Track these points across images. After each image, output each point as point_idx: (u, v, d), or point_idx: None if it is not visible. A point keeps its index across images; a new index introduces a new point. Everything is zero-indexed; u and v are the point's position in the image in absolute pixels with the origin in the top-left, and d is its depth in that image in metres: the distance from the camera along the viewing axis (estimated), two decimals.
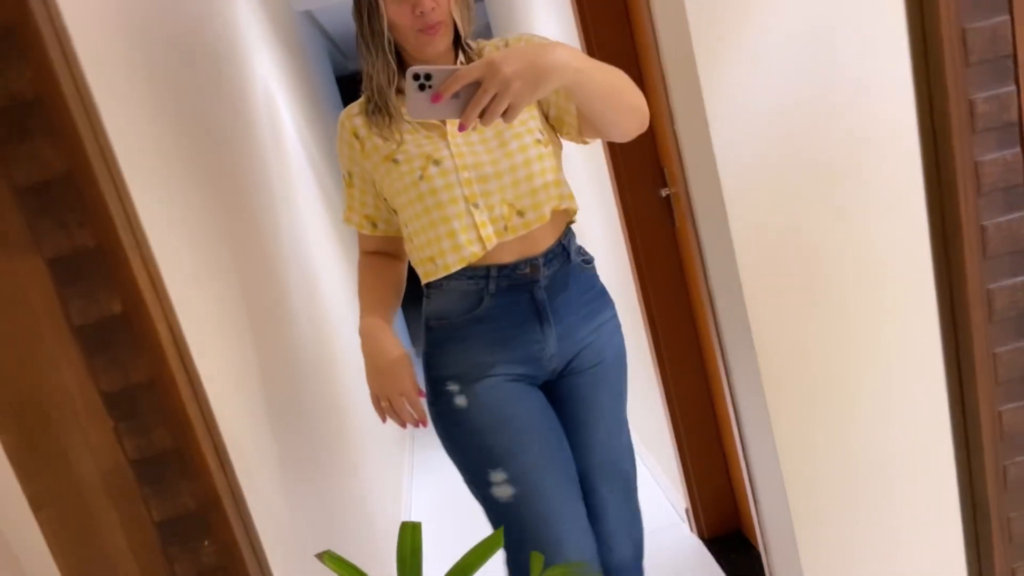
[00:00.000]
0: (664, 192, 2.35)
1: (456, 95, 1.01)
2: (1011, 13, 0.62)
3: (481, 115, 1.02)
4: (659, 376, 2.52)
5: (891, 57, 1.43)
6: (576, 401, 1.43)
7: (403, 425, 1.38)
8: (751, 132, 1.53)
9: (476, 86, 1.01)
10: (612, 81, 1.19)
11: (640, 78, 2.24)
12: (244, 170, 1.69)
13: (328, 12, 4.16)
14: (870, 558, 1.47)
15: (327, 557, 1.12)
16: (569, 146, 1.50)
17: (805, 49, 1.47)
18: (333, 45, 5.02)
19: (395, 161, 1.32)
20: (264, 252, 1.67)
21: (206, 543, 0.67)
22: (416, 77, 1.00)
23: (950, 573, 1.36)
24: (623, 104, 1.22)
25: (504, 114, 1.02)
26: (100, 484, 0.66)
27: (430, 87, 1.01)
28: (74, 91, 0.59)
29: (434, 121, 1.31)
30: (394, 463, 3.18)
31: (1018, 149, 0.65)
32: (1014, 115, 0.64)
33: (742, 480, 1.95)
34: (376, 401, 1.39)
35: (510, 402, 1.34)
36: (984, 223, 0.67)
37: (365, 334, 1.38)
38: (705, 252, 1.79)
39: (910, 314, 1.49)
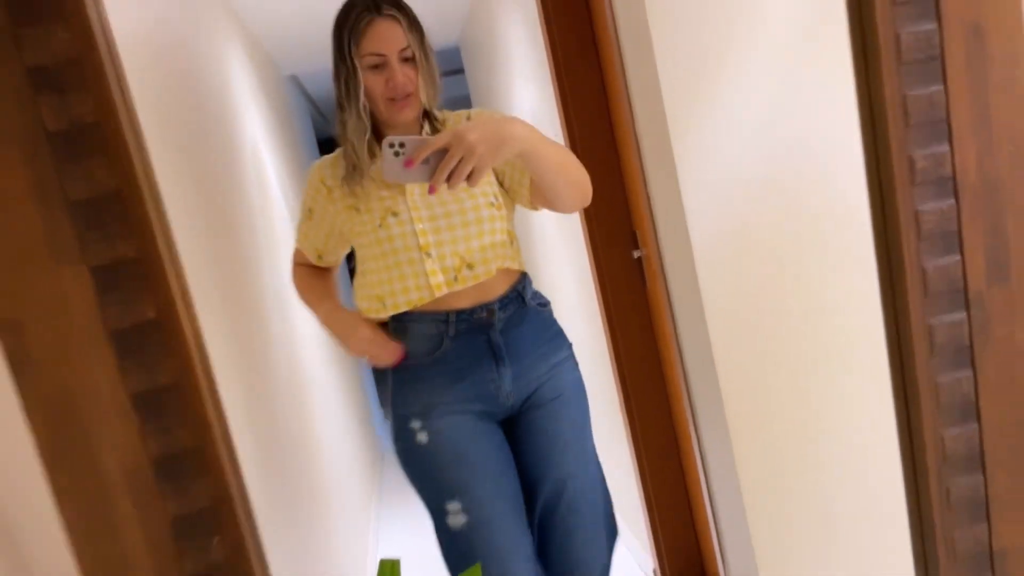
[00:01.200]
0: (636, 254, 2.45)
1: (426, 161, 1.16)
2: (945, 83, 0.72)
3: (448, 178, 1.16)
4: (629, 433, 2.57)
5: (845, 126, 1.58)
6: (536, 433, 1.53)
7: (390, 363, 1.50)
8: (720, 197, 1.64)
9: (444, 153, 1.15)
10: (560, 157, 1.36)
11: (615, 145, 2.36)
12: (234, 218, 1.78)
13: (312, 77, 4.34)
14: None
15: None
16: (544, 213, 1.62)
17: (770, 119, 1.60)
18: (315, 109, 5.18)
19: (357, 210, 1.46)
20: (247, 287, 1.74)
21: (216, 539, 0.72)
22: (391, 145, 1.15)
23: None
24: (568, 178, 1.38)
25: (468, 177, 1.16)
26: (122, 479, 0.70)
27: (403, 153, 1.15)
28: (127, 117, 0.67)
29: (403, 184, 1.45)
30: (363, 504, 3.18)
31: (952, 200, 0.75)
32: (948, 170, 0.74)
33: (710, 539, 1.99)
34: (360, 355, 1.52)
35: (466, 439, 1.46)
36: (925, 266, 0.76)
37: (328, 320, 1.54)
38: (675, 311, 1.87)
39: (864, 367, 1.58)
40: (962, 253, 0.76)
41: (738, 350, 1.66)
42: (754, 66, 1.57)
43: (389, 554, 1.05)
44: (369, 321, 1.49)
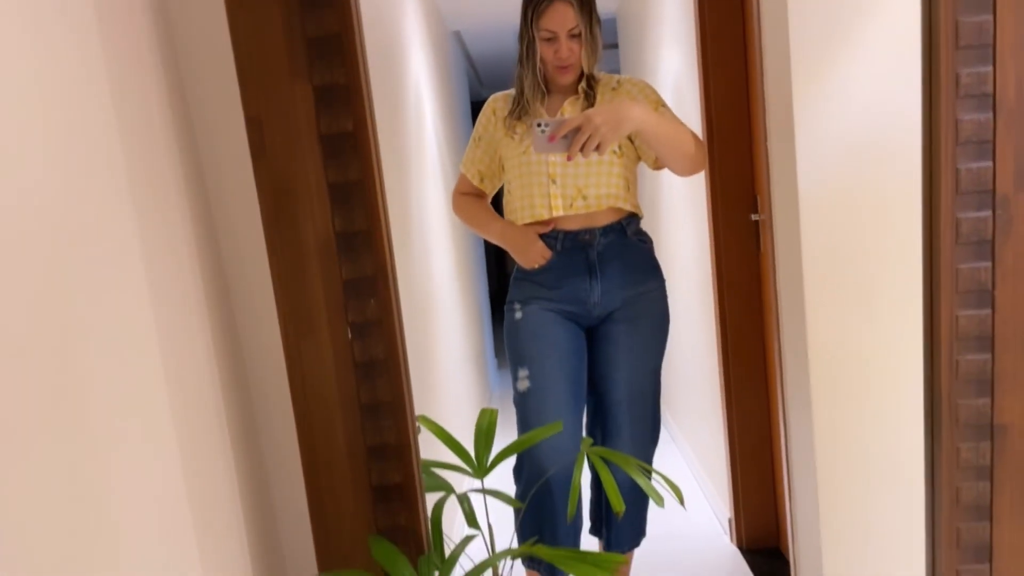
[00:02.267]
0: (754, 217, 2.58)
1: (565, 136, 1.56)
2: (994, 12, 0.88)
3: (581, 150, 1.56)
4: (723, 392, 2.70)
5: None
6: (607, 339, 1.88)
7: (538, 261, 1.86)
8: (831, 162, 1.74)
9: (577, 130, 1.55)
10: (671, 134, 1.73)
11: (748, 112, 2.50)
12: (391, 151, 2.09)
13: (475, 34, 4.64)
14: None
15: (422, 420, 1.42)
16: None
17: (885, 91, 1.69)
18: (473, 70, 5.49)
19: (511, 137, 1.85)
20: (396, 217, 2.04)
21: (372, 301, 0.99)
22: (538, 124, 1.57)
23: None
24: (678, 152, 1.75)
25: (596, 149, 1.57)
26: (314, 246, 0.99)
27: (547, 131, 1.56)
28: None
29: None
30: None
31: (990, 114, 0.90)
32: (989, 88, 0.89)
33: (784, 503, 2.10)
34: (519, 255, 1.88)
35: (548, 322, 1.84)
36: (959, 167, 0.92)
37: (505, 233, 1.89)
38: (778, 274, 1.98)
39: None
40: (994, 160, 0.91)
41: (832, 316, 1.74)
42: (876, 40, 1.66)
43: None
44: (537, 241, 1.86)
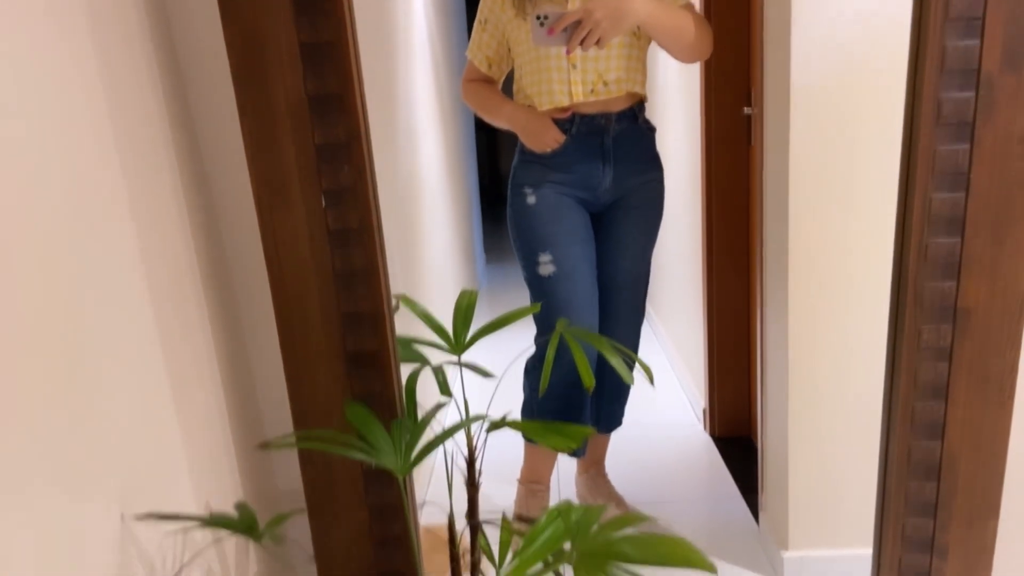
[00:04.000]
0: (747, 111, 2.54)
1: (564, 29, 1.56)
2: None
3: (581, 44, 1.57)
4: (705, 285, 2.73)
5: None
6: (614, 225, 1.90)
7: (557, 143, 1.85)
8: (824, 62, 1.70)
9: (578, 23, 1.55)
10: (674, 24, 1.69)
11: (749, 5, 2.42)
12: (380, 38, 2.02)
13: None
14: (854, 480, 1.70)
15: (403, 299, 1.43)
16: (670, 58, 1.84)
17: None
18: None
19: (523, 19, 1.79)
20: (382, 98, 1.98)
21: (346, 167, 0.98)
22: (538, 17, 1.56)
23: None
24: (681, 42, 1.74)
25: (596, 43, 1.57)
26: (286, 110, 0.97)
27: (547, 24, 1.56)
28: None
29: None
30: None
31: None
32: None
33: (757, 391, 2.16)
34: (533, 139, 1.86)
35: (564, 206, 1.83)
36: (945, 44, 0.90)
37: (515, 115, 1.86)
38: (764, 168, 1.97)
39: None
40: (982, 38, 0.89)
41: (812, 206, 1.75)
42: None
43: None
44: (548, 122, 1.83)
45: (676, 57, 1.80)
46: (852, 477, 1.79)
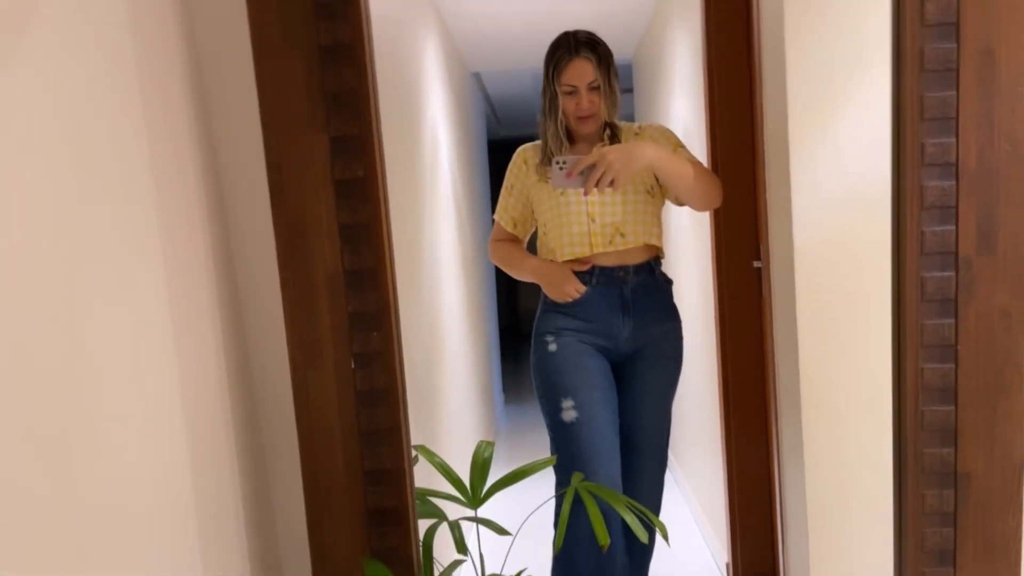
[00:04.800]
0: (756, 264, 2.62)
1: (581, 173, 1.70)
2: (957, 89, 0.96)
3: (596, 185, 1.70)
4: (723, 436, 2.72)
5: None
6: (635, 376, 1.96)
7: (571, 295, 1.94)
8: (827, 210, 1.80)
9: (593, 167, 1.69)
10: (681, 171, 1.82)
11: (753, 161, 2.56)
12: (404, 187, 2.19)
13: (494, 77, 4.80)
14: None
15: (421, 450, 1.49)
16: (682, 214, 1.98)
17: (883, 141, 1.73)
18: (491, 109, 5.64)
19: (546, 182, 1.95)
20: (406, 252, 2.12)
21: (375, 334, 1.07)
22: (558, 162, 1.73)
23: None
24: (690, 187, 1.86)
25: (610, 184, 1.70)
26: (323, 281, 1.07)
27: (565, 168, 1.72)
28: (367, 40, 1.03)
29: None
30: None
31: (953, 181, 0.97)
32: (953, 157, 0.96)
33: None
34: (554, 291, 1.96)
35: (585, 354, 1.91)
36: (924, 230, 0.99)
37: (540, 269, 1.98)
38: (775, 321, 2.03)
39: None
40: (956, 224, 0.98)
41: (822, 359, 1.80)
42: (866, 103, 1.72)
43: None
44: (568, 274, 1.95)
45: (686, 202, 1.92)
46: None
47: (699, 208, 1.96)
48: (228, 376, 1.22)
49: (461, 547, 1.27)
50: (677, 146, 1.96)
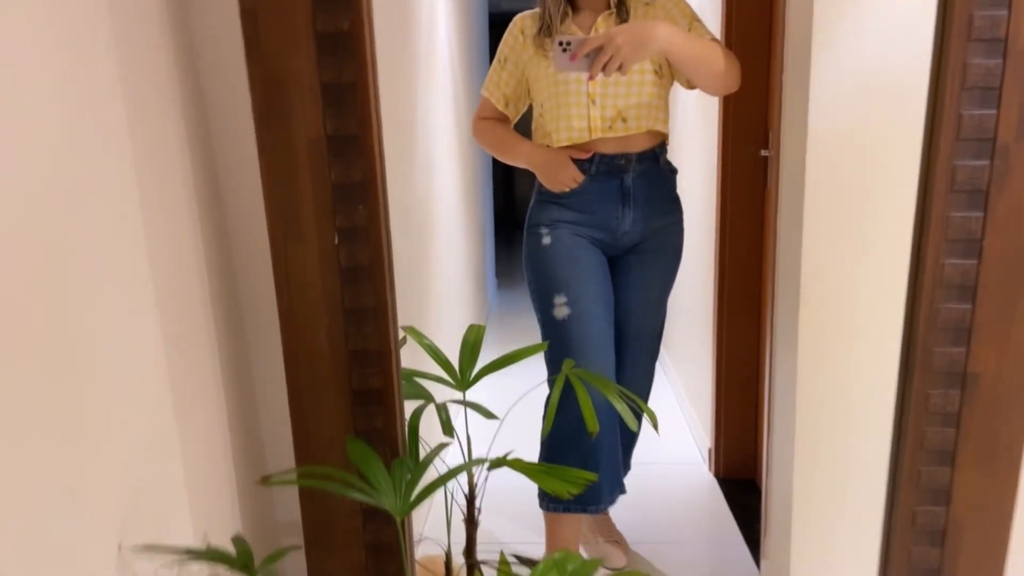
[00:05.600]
0: (764, 153, 2.54)
1: (587, 56, 1.51)
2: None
3: (603, 69, 1.50)
4: (715, 327, 2.71)
5: None
6: (632, 270, 1.85)
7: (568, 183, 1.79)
8: (845, 101, 1.70)
9: (600, 49, 1.49)
10: (698, 53, 1.61)
11: (768, 45, 2.43)
12: (400, 61, 2.04)
13: None
14: (859, 534, 1.67)
15: (410, 331, 1.44)
16: (689, 97, 1.84)
17: (907, 31, 1.63)
18: None
19: (544, 57, 1.76)
20: (400, 121, 2.00)
21: (361, 207, 0.99)
22: (560, 43, 1.51)
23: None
24: (706, 71, 1.65)
25: (619, 69, 1.50)
26: (305, 147, 0.98)
27: (570, 50, 1.51)
28: None
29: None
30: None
31: (1000, 60, 0.87)
32: (1002, 32, 0.86)
33: (763, 433, 2.13)
34: (550, 179, 1.81)
35: (580, 247, 1.78)
36: (962, 112, 0.90)
37: (533, 155, 1.83)
38: (779, 211, 1.97)
39: None
40: (998, 108, 0.89)
41: (826, 256, 1.73)
42: None
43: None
44: (566, 159, 1.80)
45: (704, 87, 1.72)
46: (857, 531, 1.76)
47: (713, 92, 1.76)
48: (206, 250, 1.15)
49: (448, 429, 1.24)
50: (693, 20, 1.77)
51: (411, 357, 1.48)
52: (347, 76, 0.95)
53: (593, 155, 1.76)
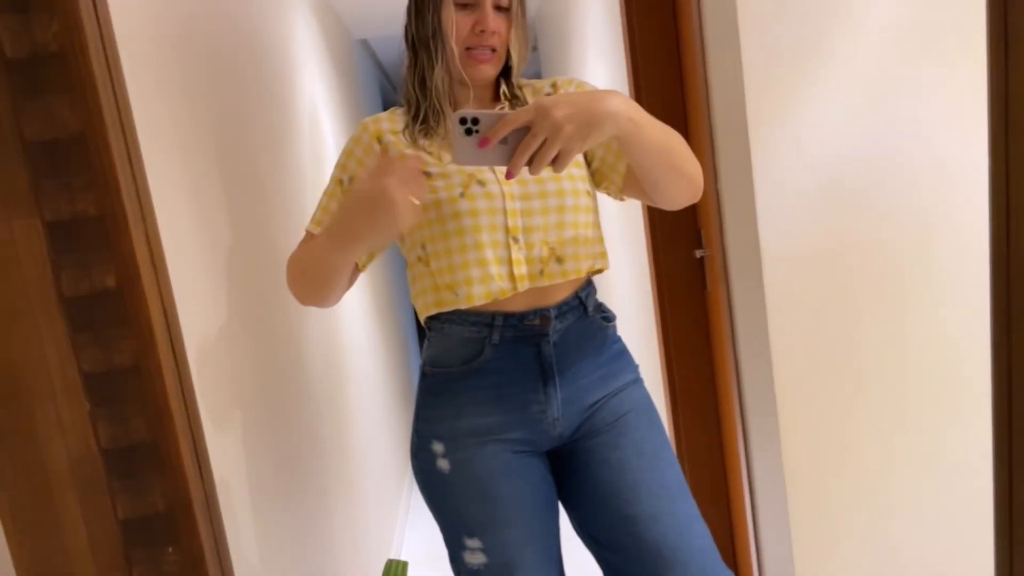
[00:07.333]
0: (699, 253, 2.30)
1: (504, 140, 0.93)
2: None
3: (529, 162, 0.93)
4: (673, 439, 2.45)
5: (935, 132, 1.41)
6: (598, 465, 1.19)
7: (420, 196, 1.03)
8: (797, 199, 1.50)
9: (525, 132, 0.92)
10: (667, 140, 1.08)
11: (687, 134, 2.21)
12: (275, 176, 1.69)
13: (383, 42, 4.29)
14: None
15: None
16: (605, 196, 1.38)
17: (858, 121, 1.43)
18: (384, 75, 5.14)
19: (428, 174, 1.12)
20: (278, 258, 1.64)
21: (170, 550, 0.62)
22: (463, 121, 0.92)
23: None
24: (675, 167, 1.10)
25: (554, 162, 0.93)
26: (67, 470, 0.61)
27: (477, 132, 0.93)
28: (100, 49, 0.56)
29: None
30: (391, 496, 3.10)
31: None
32: None
33: (747, 549, 1.85)
34: (388, 202, 1.01)
35: (495, 475, 1.16)
36: None
37: (351, 204, 1.02)
38: (736, 315, 1.75)
39: (940, 396, 1.41)
40: None
41: (800, 360, 1.53)
42: (846, 64, 1.43)
43: (414, 551, 0.93)
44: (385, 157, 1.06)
45: (658, 195, 1.16)
46: None
47: (672, 203, 1.16)
48: None
49: None
50: None
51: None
52: (122, 358, 0.59)
53: (493, 315, 1.15)
